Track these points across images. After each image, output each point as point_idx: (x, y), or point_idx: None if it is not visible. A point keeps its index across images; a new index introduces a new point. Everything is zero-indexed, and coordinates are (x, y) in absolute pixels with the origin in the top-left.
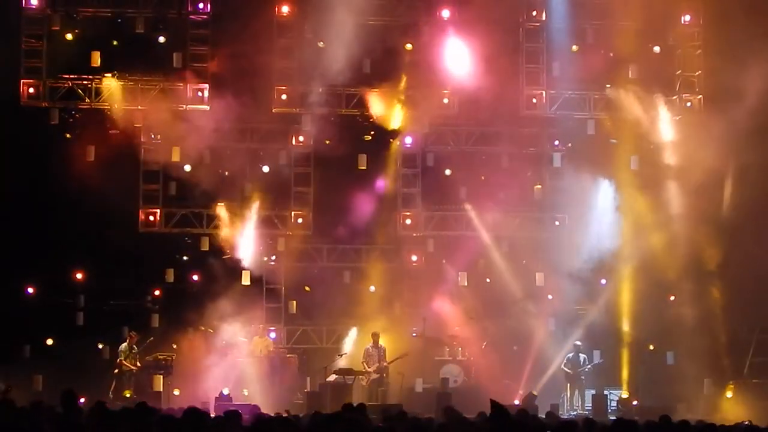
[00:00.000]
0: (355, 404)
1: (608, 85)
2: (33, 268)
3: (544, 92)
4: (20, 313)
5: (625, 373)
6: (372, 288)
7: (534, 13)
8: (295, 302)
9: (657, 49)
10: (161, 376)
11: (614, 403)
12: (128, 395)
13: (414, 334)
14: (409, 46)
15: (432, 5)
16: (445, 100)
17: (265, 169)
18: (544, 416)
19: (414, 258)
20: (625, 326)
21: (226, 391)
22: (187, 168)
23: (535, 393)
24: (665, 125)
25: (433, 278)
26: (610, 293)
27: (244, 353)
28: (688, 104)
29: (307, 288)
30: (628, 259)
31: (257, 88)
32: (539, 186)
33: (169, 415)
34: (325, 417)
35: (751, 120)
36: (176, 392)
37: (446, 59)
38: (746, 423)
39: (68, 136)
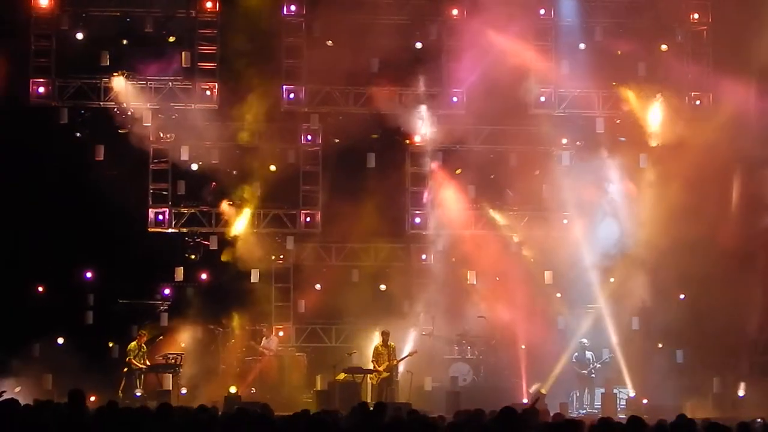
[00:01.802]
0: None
1: (615, 83)
2: (42, 267)
3: (552, 90)
4: (30, 312)
5: (634, 372)
6: (383, 287)
7: (542, 11)
8: (304, 301)
9: (665, 47)
10: (170, 375)
11: (623, 402)
12: (139, 394)
13: (424, 333)
14: (418, 45)
15: (441, 4)
16: (454, 99)
17: (272, 167)
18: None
19: (423, 256)
20: (635, 324)
21: (233, 390)
22: (195, 167)
23: (543, 392)
24: (674, 123)
25: (442, 277)
26: (619, 291)
27: (253, 352)
28: (698, 102)
29: (318, 286)
30: (637, 257)
31: (265, 87)
32: (547, 184)
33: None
34: None
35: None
36: (183, 391)
37: (455, 58)
38: (759, 420)
39: (78, 135)
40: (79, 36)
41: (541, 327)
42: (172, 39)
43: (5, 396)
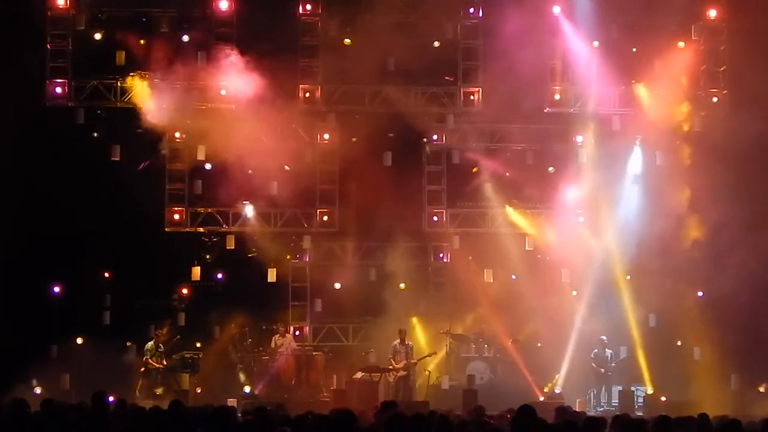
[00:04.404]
0: (380, 402)
1: (633, 81)
2: (59, 268)
3: (568, 88)
4: (47, 312)
5: (652, 370)
6: (402, 285)
7: (557, 8)
8: (320, 300)
9: (681, 44)
10: (187, 375)
11: (641, 400)
12: (159, 393)
13: (441, 332)
14: (436, 44)
15: (457, 2)
16: (471, 97)
17: (287, 167)
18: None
19: (440, 255)
20: (651, 322)
21: (247, 390)
22: (208, 166)
23: (557, 390)
24: (690, 120)
25: (459, 275)
26: (636, 289)
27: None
28: (714, 99)
29: (337, 285)
30: (654, 253)
31: (281, 87)
32: (563, 182)
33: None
34: None
35: None
36: (198, 390)
37: (471, 56)
38: None
39: (95, 135)
40: (96, 36)
41: (558, 325)
42: (187, 38)
43: None
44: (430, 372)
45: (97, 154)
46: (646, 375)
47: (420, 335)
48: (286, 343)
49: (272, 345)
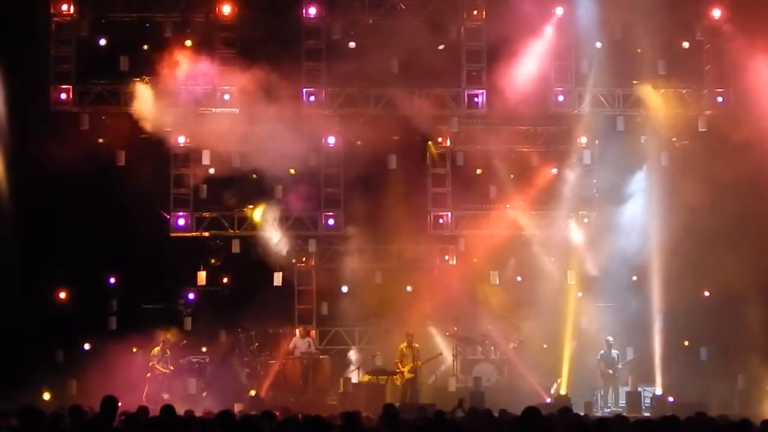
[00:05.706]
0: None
1: (635, 81)
2: (66, 273)
3: (572, 89)
4: (53, 318)
5: (659, 370)
6: (409, 288)
7: (560, 9)
8: (326, 303)
9: (686, 44)
10: (194, 379)
11: (648, 401)
12: (166, 398)
13: (447, 334)
14: (441, 47)
15: (461, 5)
16: (475, 99)
17: (292, 171)
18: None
19: (446, 257)
20: (658, 322)
21: (253, 393)
22: (213, 171)
23: (563, 392)
24: (695, 120)
25: (465, 277)
26: (642, 289)
27: (276, 355)
28: (720, 99)
29: (344, 288)
30: (660, 254)
31: (286, 90)
32: (568, 183)
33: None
34: None
35: None
36: (204, 394)
37: (475, 58)
38: None
39: (100, 140)
40: (102, 42)
41: (564, 326)
42: (189, 43)
43: None
44: (437, 375)
45: (102, 159)
46: (657, 376)
47: (437, 338)
48: (304, 345)
49: (291, 346)
